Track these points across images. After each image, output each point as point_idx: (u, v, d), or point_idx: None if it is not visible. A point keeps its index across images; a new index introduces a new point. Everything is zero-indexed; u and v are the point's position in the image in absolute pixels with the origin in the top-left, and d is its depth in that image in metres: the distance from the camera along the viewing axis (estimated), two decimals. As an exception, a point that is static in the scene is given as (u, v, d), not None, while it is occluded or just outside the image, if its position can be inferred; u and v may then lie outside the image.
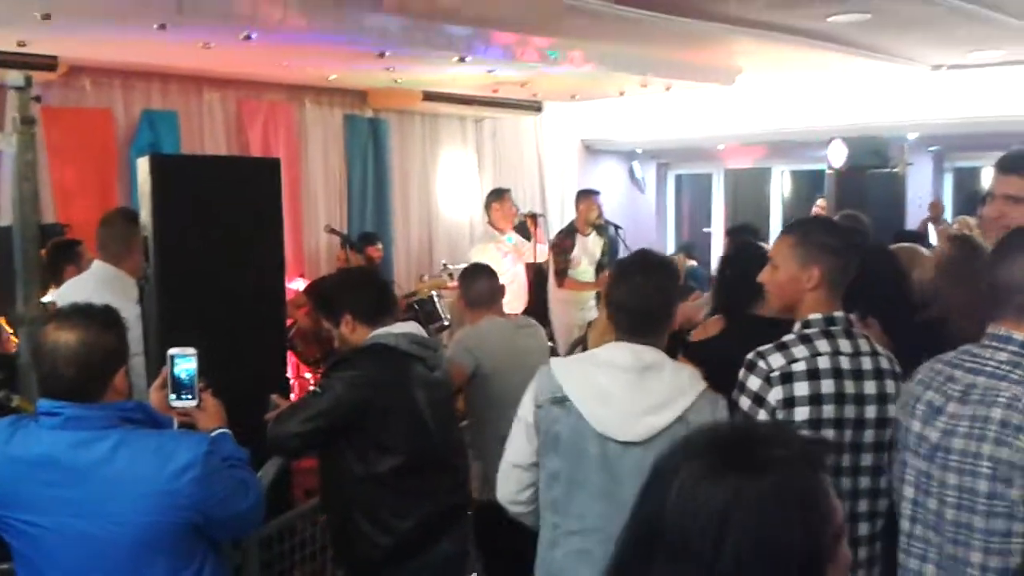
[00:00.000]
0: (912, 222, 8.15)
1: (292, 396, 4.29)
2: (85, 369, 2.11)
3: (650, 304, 2.46)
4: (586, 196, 7.55)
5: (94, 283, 3.61)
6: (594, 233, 7.29)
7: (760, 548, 1.07)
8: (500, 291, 4.03)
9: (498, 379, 3.64)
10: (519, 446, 2.52)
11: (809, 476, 1.12)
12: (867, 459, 2.46)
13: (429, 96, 8.74)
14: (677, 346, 3.31)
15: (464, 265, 7.57)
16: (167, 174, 3.64)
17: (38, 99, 3.74)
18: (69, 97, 7.10)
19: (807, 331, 2.50)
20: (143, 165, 3.67)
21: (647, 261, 2.59)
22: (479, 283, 3.98)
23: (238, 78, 7.85)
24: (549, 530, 2.48)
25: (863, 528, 2.48)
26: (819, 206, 8.44)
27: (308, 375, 6.47)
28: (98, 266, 3.78)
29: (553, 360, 2.53)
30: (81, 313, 2.18)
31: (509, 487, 2.55)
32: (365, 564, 2.96)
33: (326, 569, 3.56)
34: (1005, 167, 2.80)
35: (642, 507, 1.17)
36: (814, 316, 2.51)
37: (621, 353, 2.43)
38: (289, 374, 7.36)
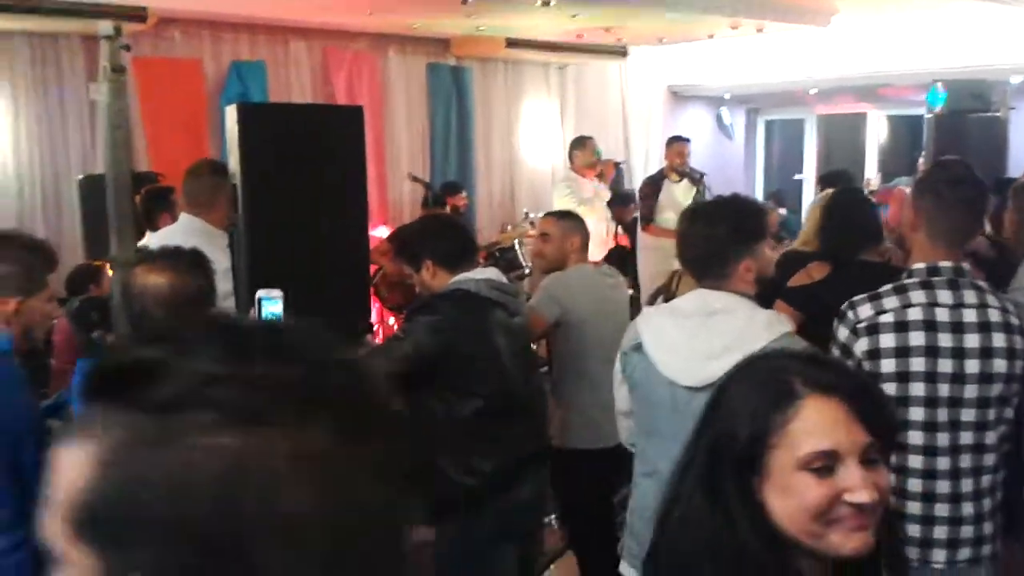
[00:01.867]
0: (1015, 169, 7.79)
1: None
2: (173, 310, 2.17)
3: (698, 251, 2.48)
4: (674, 142, 7.47)
5: (182, 235, 3.59)
6: (685, 181, 7.18)
7: (727, 429, 1.31)
8: (587, 237, 3.93)
9: (583, 327, 3.62)
10: (617, 395, 2.63)
11: (769, 389, 1.29)
12: (968, 415, 2.38)
13: (512, 43, 8.65)
14: (772, 293, 3.26)
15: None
16: (254, 122, 3.69)
17: (128, 47, 3.81)
18: (159, 48, 7.25)
19: (906, 280, 2.43)
20: (231, 113, 3.74)
21: (699, 210, 2.70)
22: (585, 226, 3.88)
23: (323, 27, 7.90)
24: (634, 471, 2.58)
25: (966, 484, 2.41)
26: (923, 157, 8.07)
27: (392, 320, 6.56)
28: (185, 219, 3.78)
29: (644, 310, 2.57)
30: (168, 255, 2.24)
31: (623, 435, 2.70)
32: (445, 504, 3.01)
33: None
34: None
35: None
36: (918, 266, 2.44)
37: (689, 300, 2.46)
38: (373, 319, 7.51)
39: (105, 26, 3.67)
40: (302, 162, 3.63)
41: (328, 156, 3.72)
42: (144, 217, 4.66)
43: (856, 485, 1.21)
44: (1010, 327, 2.39)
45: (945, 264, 2.41)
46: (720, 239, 2.43)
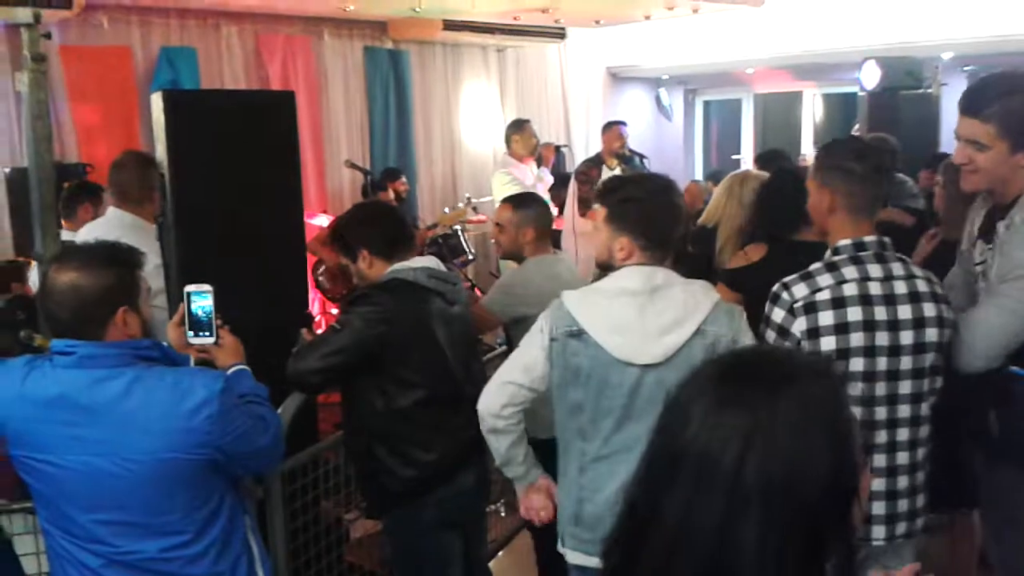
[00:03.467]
0: (947, 144, 7.94)
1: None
2: (77, 310, 2.09)
3: (662, 221, 2.46)
4: (611, 127, 7.45)
5: (111, 230, 3.46)
6: (621, 165, 7.18)
7: (783, 467, 1.06)
8: (551, 222, 3.80)
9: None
10: (525, 366, 2.50)
11: (829, 387, 1.10)
12: (905, 387, 2.41)
13: (450, 25, 8.57)
14: (709, 274, 3.27)
15: (488, 199, 7.53)
16: (182, 110, 3.58)
17: (48, 36, 3.67)
18: (87, 35, 7.03)
19: (835, 258, 2.45)
20: (156, 101, 3.62)
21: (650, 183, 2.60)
22: (546, 212, 3.73)
23: (255, 11, 7.74)
24: (577, 457, 2.50)
25: (902, 457, 2.45)
26: (857, 131, 8.19)
27: (336, 311, 6.48)
28: (114, 213, 3.64)
29: (564, 293, 2.50)
30: (81, 252, 2.16)
31: (499, 399, 2.53)
32: (387, 496, 2.98)
33: (351, 501, 3.60)
34: (963, 106, 2.46)
35: (664, 430, 1.16)
36: (843, 242, 2.45)
37: (631, 277, 2.41)
38: (316, 311, 7.42)
39: (24, 13, 3.54)
40: (232, 150, 3.54)
41: (260, 143, 3.63)
42: (62, 209, 4.50)
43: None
44: (937, 296, 2.42)
45: (870, 238, 2.43)
46: (675, 209, 2.48)
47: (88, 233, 3.66)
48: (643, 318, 2.36)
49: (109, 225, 3.57)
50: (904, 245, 2.73)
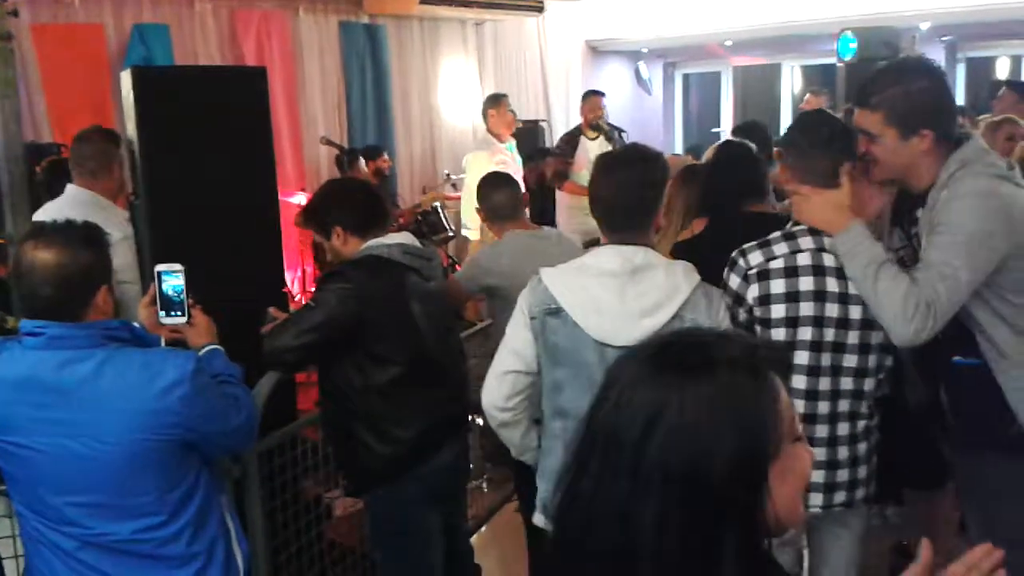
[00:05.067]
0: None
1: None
2: (63, 288, 2.07)
3: (630, 198, 2.38)
4: (588, 96, 7.45)
5: (69, 207, 3.36)
6: (601, 138, 7.16)
7: (683, 452, 1.05)
8: (522, 201, 3.79)
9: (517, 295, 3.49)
10: (515, 351, 2.49)
11: (746, 381, 1.08)
12: (851, 360, 2.43)
13: (426, -1, 8.51)
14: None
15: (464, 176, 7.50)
16: (151, 87, 3.52)
17: (15, 13, 3.63)
18: (59, 14, 6.93)
19: (795, 228, 2.46)
20: (126, 79, 3.56)
21: (625, 154, 2.55)
22: (499, 193, 3.70)
23: (229, -13, 7.65)
24: (560, 435, 2.48)
25: (842, 428, 2.47)
26: (807, 102, 8.12)
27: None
28: (73, 190, 3.58)
29: (543, 271, 2.47)
30: (59, 231, 2.13)
31: (502, 391, 2.51)
32: (366, 473, 2.98)
33: (330, 478, 3.60)
34: (855, 98, 2.47)
35: (590, 410, 1.16)
36: None
37: (610, 257, 2.37)
38: (296, 288, 7.38)
39: (-12, -9, 3.49)
40: (204, 127, 3.48)
41: (231, 120, 3.57)
42: (46, 190, 4.45)
43: (804, 435, 1.17)
44: None
45: None
46: (648, 183, 2.39)
47: (48, 212, 3.52)
48: (623, 299, 2.32)
49: (69, 202, 3.50)
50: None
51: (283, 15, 8.21)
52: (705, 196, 3.29)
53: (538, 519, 2.57)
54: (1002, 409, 2.34)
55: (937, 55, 9.65)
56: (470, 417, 3.61)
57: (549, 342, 2.42)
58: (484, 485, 4.78)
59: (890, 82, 2.36)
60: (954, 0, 8.48)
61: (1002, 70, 10.20)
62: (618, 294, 2.33)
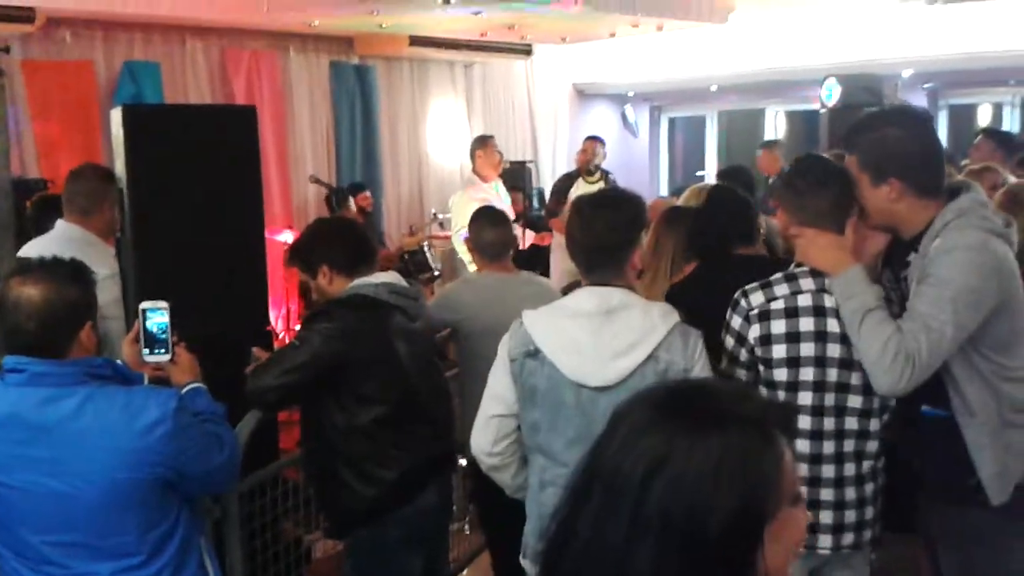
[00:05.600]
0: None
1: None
2: (48, 324, 2.06)
3: (602, 240, 2.39)
4: (588, 139, 7.63)
5: (58, 244, 3.29)
6: (601, 182, 7.31)
7: (684, 502, 1.05)
8: (510, 242, 3.75)
9: (485, 337, 3.34)
10: (497, 395, 2.50)
11: (755, 440, 1.08)
12: (855, 401, 2.44)
13: (416, 41, 8.59)
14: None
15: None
16: (141, 125, 3.56)
17: (7, 50, 3.65)
18: (50, 50, 6.99)
19: (796, 269, 2.49)
20: (116, 117, 3.60)
21: (599, 197, 2.56)
22: (491, 232, 3.64)
23: (221, 26, 7.72)
24: (538, 473, 2.49)
25: (849, 469, 2.47)
26: (761, 158, 7.92)
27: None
28: (62, 226, 3.56)
29: (525, 313, 2.48)
30: (45, 267, 2.13)
31: (487, 437, 2.52)
32: (349, 515, 2.95)
33: (311, 520, 3.56)
34: (843, 144, 2.52)
35: (592, 450, 1.16)
36: None
37: (586, 298, 2.40)
38: (280, 327, 7.37)
39: (-19, 28, 3.51)
40: (193, 165, 3.52)
41: (221, 158, 3.61)
42: (34, 225, 4.43)
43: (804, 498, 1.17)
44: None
45: None
46: (623, 225, 2.41)
47: (36, 247, 3.45)
48: (598, 340, 2.33)
49: (58, 238, 3.47)
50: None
51: (273, 55, 8.28)
52: (693, 239, 3.32)
53: (524, 563, 2.56)
54: (964, 461, 2.35)
55: (919, 102, 9.80)
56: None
57: (527, 384, 2.43)
58: (466, 527, 4.74)
59: (866, 128, 2.41)
60: (935, 49, 8.63)
61: (984, 117, 10.35)
62: (594, 335, 2.34)
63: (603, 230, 2.39)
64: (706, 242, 3.19)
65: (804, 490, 2.39)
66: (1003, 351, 2.33)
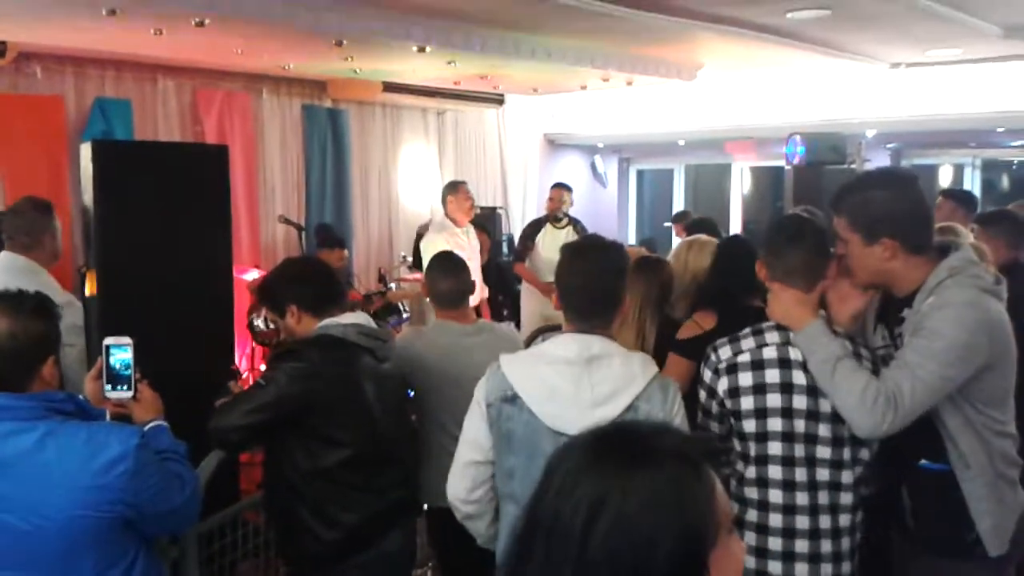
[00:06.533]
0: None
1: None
2: (10, 358, 2.04)
3: (596, 284, 2.37)
4: (555, 187, 7.71)
5: (4, 273, 3.47)
6: (568, 228, 7.39)
7: (628, 539, 1.06)
8: (468, 291, 3.60)
9: (441, 390, 3.34)
10: (473, 442, 2.45)
11: (687, 472, 1.10)
12: (824, 452, 2.45)
13: (390, 87, 8.66)
14: (666, 344, 3.28)
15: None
16: (110, 160, 3.55)
17: (-28, 83, 3.65)
18: (19, 84, 6.95)
19: (764, 324, 2.53)
20: (85, 151, 3.59)
21: (591, 242, 2.56)
22: (445, 281, 3.50)
23: (193, 66, 7.72)
24: (509, 522, 2.45)
25: (824, 521, 2.47)
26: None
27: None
28: (7, 256, 3.70)
29: (503, 357, 2.45)
30: (9, 299, 2.10)
31: (463, 484, 2.47)
32: (309, 559, 2.90)
33: (270, 564, 3.50)
34: (831, 204, 2.58)
35: (531, 501, 1.17)
36: None
37: (567, 345, 2.37)
38: (244, 366, 7.28)
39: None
40: (161, 202, 3.51)
41: (190, 196, 3.61)
42: None
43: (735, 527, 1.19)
44: None
45: None
46: (612, 273, 2.40)
47: None
48: (578, 388, 2.31)
49: (4, 267, 3.56)
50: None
51: (246, 96, 8.30)
52: (708, 291, 3.36)
53: None
54: (963, 515, 2.39)
55: (882, 161, 10.03)
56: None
57: (504, 429, 2.39)
58: (428, 573, 4.67)
59: (853, 189, 2.48)
60: (898, 110, 8.85)
61: (945, 178, 10.58)
62: (574, 383, 2.32)
63: (601, 276, 2.38)
64: (723, 295, 3.23)
65: (779, 541, 2.43)
66: (995, 406, 2.39)
